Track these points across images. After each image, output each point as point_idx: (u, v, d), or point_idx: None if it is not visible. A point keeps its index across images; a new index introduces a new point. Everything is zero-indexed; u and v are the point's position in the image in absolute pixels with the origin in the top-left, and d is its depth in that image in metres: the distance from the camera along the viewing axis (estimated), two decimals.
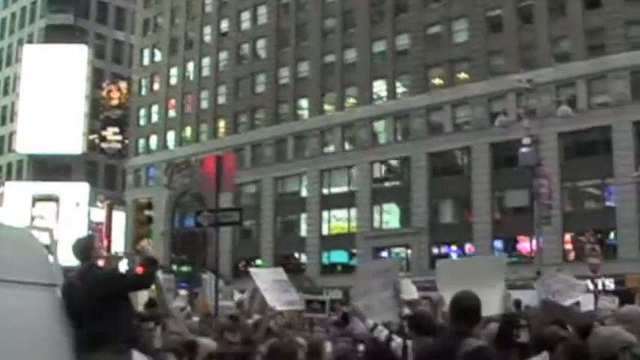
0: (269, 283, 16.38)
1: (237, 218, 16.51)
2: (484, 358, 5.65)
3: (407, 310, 9.80)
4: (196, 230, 56.61)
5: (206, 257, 60.84)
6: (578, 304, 29.76)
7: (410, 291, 24.50)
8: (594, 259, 36.67)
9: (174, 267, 75.58)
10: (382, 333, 8.53)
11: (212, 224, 16.09)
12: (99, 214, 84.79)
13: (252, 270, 18.96)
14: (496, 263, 11.83)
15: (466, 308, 6.00)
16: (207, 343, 9.57)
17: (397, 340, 8.35)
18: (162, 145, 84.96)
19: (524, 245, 54.91)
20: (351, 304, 9.93)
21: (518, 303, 16.25)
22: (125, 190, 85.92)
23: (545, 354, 6.56)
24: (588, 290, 36.76)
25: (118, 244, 79.04)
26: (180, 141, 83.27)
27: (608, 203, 54.19)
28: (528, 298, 23.33)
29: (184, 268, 73.97)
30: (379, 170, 66.20)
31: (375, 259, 63.05)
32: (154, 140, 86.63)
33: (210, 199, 23.93)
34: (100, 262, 7.98)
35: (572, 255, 53.92)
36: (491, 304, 8.78)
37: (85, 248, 7.38)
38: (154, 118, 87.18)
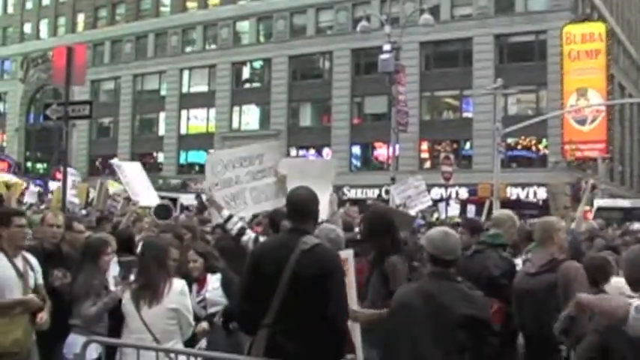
0: (131, 177, 16.24)
1: (88, 112, 15.97)
2: (320, 254, 5.64)
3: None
4: (52, 126, 55.05)
5: (67, 136, 59.21)
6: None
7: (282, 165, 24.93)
8: (447, 167, 37.76)
9: (29, 164, 73.83)
10: (236, 225, 8.42)
11: (61, 117, 15.55)
12: None
13: (114, 161, 18.70)
14: (329, 165, 11.46)
15: (302, 205, 5.96)
16: None
17: (250, 234, 8.30)
18: (19, 37, 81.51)
19: (382, 152, 55.84)
20: (207, 192, 9.54)
21: None
22: None
23: None
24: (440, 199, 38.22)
25: None
26: (38, 34, 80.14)
27: (465, 114, 55.49)
28: None
29: (39, 165, 72.32)
30: (240, 71, 65.47)
31: None
32: (9, 32, 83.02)
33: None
34: None
35: (428, 163, 55.32)
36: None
37: None
38: (10, 9, 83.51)
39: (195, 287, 7.93)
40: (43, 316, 7.16)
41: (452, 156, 42.34)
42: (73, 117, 15.90)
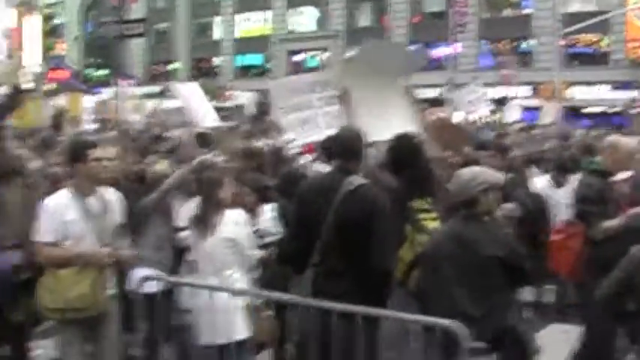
0: (189, 99, 16.12)
1: (142, 30, 16.10)
2: (365, 196, 5.68)
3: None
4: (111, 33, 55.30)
5: (121, 60, 59.60)
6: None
7: None
8: (507, 70, 37.37)
9: (89, 71, 74.33)
10: (294, 149, 8.55)
11: (116, 36, 15.71)
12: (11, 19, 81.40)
13: (170, 85, 18.50)
14: (406, 57, 10.36)
15: (348, 144, 5.97)
16: None
17: (307, 157, 8.40)
18: None
19: (441, 50, 55.12)
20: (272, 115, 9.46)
21: None
22: None
23: None
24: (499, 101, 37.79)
25: (35, 55, 76.47)
26: None
27: (525, 11, 54.29)
28: None
29: (99, 72, 72.81)
30: None
31: (290, 62, 62.97)
32: None
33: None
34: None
35: (487, 62, 54.46)
36: (400, 121, 8.09)
37: None
38: None
39: (248, 217, 8.02)
40: (123, 259, 6.67)
41: (513, 58, 41.71)
42: (127, 35, 16.07)
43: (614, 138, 8.35)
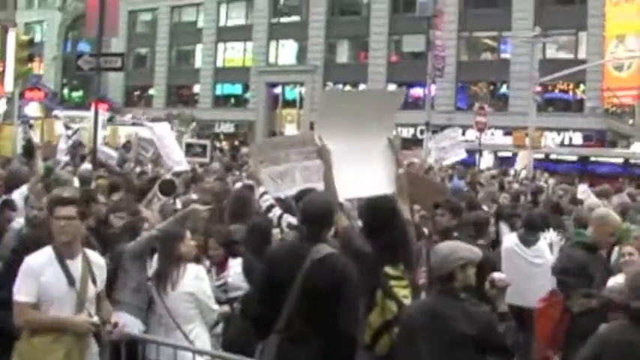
0: (163, 139, 16.15)
1: (120, 64, 16.10)
2: (332, 265, 5.70)
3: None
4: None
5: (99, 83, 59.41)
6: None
7: None
8: (482, 117, 37.72)
9: (65, 92, 74.13)
10: (265, 203, 8.59)
11: (93, 69, 15.69)
12: None
13: (145, 123, 18.46)
14: (390, 100, 9.04)
15: (317, 214, 5.96)
16: None
17: (276, 211, 8.43)
18: None
19: (418, 90, 55.46)
20: (250, 167, 9.55)
21: None
22: (17, 11, 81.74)
23: None
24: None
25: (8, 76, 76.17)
26: None
27: (503, 55, 54.83)
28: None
29: (75, 94, 72.63)
30: (278, 5, 64.89)
31: (269, 94, 63.22)
32: None
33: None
34: None
35: (464, 104, 54.92)
36: (378, 180, 7.84)
37: None
38: None
39: (214, 270, 8.01)
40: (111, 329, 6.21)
41: (486, 106, 42.13)
42: (105, 69, 16.05)
43: (603, 211, 8.40)
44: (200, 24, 68.16)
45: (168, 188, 11.01)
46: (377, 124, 8.02)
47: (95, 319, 6.04)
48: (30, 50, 23.90)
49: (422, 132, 45.85)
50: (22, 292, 5.92)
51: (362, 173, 7.65)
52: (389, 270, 6.50)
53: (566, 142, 49.85)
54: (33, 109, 50.31)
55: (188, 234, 7.32)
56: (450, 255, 5.84)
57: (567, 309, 7.66)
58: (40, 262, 5.98)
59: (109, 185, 11.74)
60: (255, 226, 8.29)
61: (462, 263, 5.80)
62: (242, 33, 65.05)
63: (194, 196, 11.35)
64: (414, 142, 46.10)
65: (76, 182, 12.41)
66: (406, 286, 6.45)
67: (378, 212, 6.84)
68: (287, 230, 8.28)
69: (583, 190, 21.97)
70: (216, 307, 7.18)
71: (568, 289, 7.62)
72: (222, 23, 66.94)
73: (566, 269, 7.77)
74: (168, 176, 12.01)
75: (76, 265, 6.03)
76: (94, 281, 6.15)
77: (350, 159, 7.51)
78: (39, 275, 5.90)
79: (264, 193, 8.69)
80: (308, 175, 8.99)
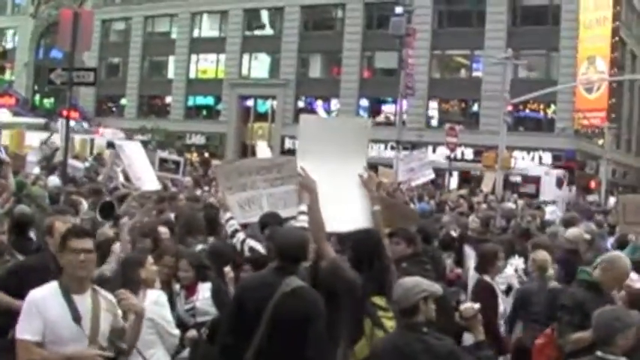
0: (132, 158, 16.05)
1: (92, 79, 16.08)
2: (301, 298, 5.76)
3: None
4: (61, 62, 54.77)
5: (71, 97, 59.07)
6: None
7: (265, 154, 24.83)
8: (452, 138, 38.02)
9: (37, 99, 73.72)
10: (231, 228, 8.78)
11: (65, 83, 15.64)
12: None
13: (116, 142, 18.25)
14: (360, 129, 9.32)
15: (289, 248, 6.07)
16: None
17: (239, 236, 8.56)
18: None
19: (390, 107, 55.68)
20: (220, 195, 9.71)
21: None
22: None
23: None
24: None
25: None
26: None
27: (475, 74, 55.21)
28: None
29: (46, 100, 72.20)
30: (252, 19, 64.91)
31: (241, 107, 63.23)
32: None
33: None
34: None
35: (435, 121, 55.20)
36: (355, 215, 8.00)
37: None
38: None
39: (183, 293, 8.03)
40: None
41: (457, 127, 42.43)
42: (77, 83, 16.00)
43: (613, 255, 8.41)
44: (174, 35, 68.09)
45: (107, 211, 10.94)
46: (351, 155, 8.20)
47: (109, 353, 5.58)
48: (2, 62, 23.74)
49: (392, 148, 46.07)
50: (24, 329, 5.45)
51: (339, 207, 7.77)
52: (377, 300, 6.57)
53: (536, 161, 50.24)
54: (3, 116, 50.06)
55: (150, 259, 7.31)
56: (414, 287, 5.88)
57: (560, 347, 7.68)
58: (45, 297, 5.50)
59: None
60: (215, 247, 8.60)
61: (425, 295, 5.84)
62: (215, 45, 65.09)
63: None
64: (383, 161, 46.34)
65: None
66: (391, 317, 6.49)
67: (365, 244, 6.93)
68: (248, 254, 8.41)
69: (551, 211, 22.27)
70: (176, 331, 7.10)
71: (562, 327, 7.61)
72: (195, 34, 66.91)
73: (563, 305, 7.72)
74: (108, 198, 11.92)
75: (84, 300, 5.54)
76: (106, 318, 5.65)
77: (327, 193, 7.64)
78: (44, 312, 5.42)
79: (230, 218, 8.84)
80: (274, 202, 9.25)
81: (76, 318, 5.41)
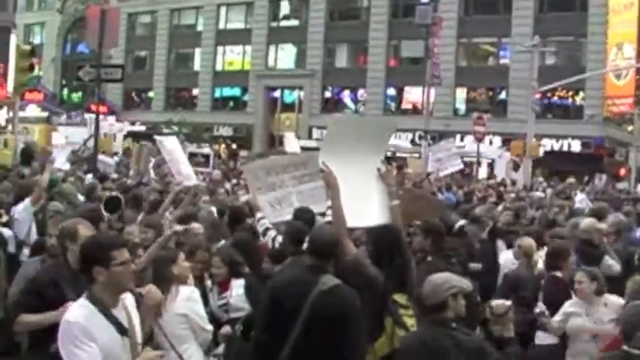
0: (173, 154, 16.07)
1: (120, 76, 16.18)
2: (339, 296, 5.81)
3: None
4: (88, 57, 55.03)
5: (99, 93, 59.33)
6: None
7: (293, 145, 24.81)
8: (480, 127, 37.78)
9: (65, 93, 74.20)
10: (262, 227, 8.85)
11: (93, 80, 15.77)
12: None
13: (156, 137, 18.16)
14: (385, 129, 9.78)
15: (325, 246, 6.14)
16: None
17: (271, 234, 8.62)
18: None
19: (416, 96, 55.43)
20: (251, 195, 9.80)
21: None
22: (16, 13, 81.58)
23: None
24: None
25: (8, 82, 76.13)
26: None
27: (502, 61, 54.87)
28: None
29: (74, 95, 72.64)
30: (278, 9, 64.97)
31: (268, 98, 63.28)
32: None
33: None
34: None
35: (462, 109, 54.97)
36: (373, 210, 8.09)
37: None
38: None
39: (216, 289, 8.08)
40: None
41: (485, 116, 42.15)
42: (105, 80, 16.11)
43: None
44: (199, 27, 68.26)
45: (113, 205, 10.98)
46: (370, 151, 8.27)
47: (159, 352, 5.42)
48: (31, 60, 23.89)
49: (420, 137, 45.94)
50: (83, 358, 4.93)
51: (358, 203, 7.81)
52: (397, 298, 6.60)
53: (565, 149, 49.93)
54: (32, 111, 50.36)
55: (182, 256, 7.39)
56: (444, 284, 5.89)
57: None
58: (87, 318, 5.01)
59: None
60: (239, 241, 8.77)
61: (455, 292, 5.85)
62: (241, 36, 65.17)
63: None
64: (410, 150, 46.25)
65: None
66: (412, 315, 6.52)
67: (385, 239, 6.96)
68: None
69: (580, 199, 22.05)
70: (209, 327, 7.20)
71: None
72: (221, 26, 67.03)
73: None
74: (113, 193, 11.93)
75: (120, 313, 5.19)
76: (137, 327, 5.37)
77: (346, 189, 7.68)
78: (94, 335, 4.96)
79: (262, 217, 8.97)
80: (304, 199, 9.32)
81: (122, 331, 5.12)
